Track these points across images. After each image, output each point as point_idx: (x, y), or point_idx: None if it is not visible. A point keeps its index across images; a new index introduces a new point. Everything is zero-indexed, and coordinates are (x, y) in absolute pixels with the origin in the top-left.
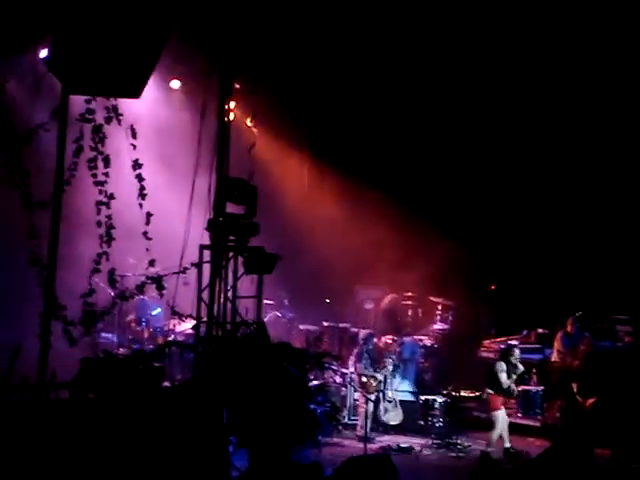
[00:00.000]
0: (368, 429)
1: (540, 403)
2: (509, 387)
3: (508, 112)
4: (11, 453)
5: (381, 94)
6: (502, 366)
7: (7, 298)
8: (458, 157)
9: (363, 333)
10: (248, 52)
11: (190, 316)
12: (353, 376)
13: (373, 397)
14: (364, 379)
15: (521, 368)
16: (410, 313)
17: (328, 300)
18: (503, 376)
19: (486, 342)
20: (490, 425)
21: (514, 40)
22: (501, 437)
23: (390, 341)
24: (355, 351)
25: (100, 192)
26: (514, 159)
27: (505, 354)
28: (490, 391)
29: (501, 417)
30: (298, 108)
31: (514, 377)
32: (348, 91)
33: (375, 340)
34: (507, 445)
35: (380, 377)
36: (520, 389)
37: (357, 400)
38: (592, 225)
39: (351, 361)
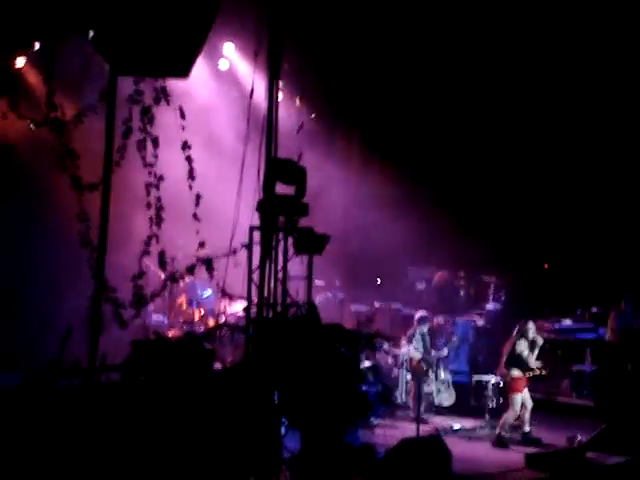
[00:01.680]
0: (421, 410)
1: (594, 383)
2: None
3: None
4: (62, 437)
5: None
6: (523, 344)
7: (60, 280)
8: (512, 137)
9: (418, 315)
10: (297, 31)
11: (241, 297)
12: (406, 357)
13: (427, 379)
14: (415, 361)
15: (540, 341)
16: (462, 293)
17: (379, 280)
18: (526, 353)
19: (539, 322)
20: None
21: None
22: (519, 419)
23: (443, 322)
24: (408, 332)
25: (149, 174)
26: (564, 137)
27: (521, 331)
28: (516, 373)
29: (521, 400)
30: (347, 88)
31: (536, 352)
32: (399, 72)
33: (429, 322)
34: (527, 429)
35: (431, 360)
36: (575, 368)
37: (410, 381)
38: None
39: (403, 341)
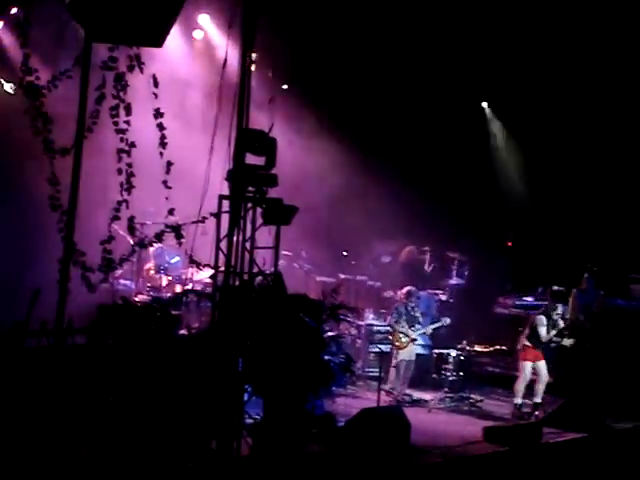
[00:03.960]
0: (390, 381)
1: (553, 360)
2: (547, 342)
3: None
4: (27, 396)
5: (397, 56)
6: (542, 320)
7: (28, 243)
8: (476, 112)
9: (406, 289)
10: (272, 3)
11: (208, 265)
12: (386, 329)
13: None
14: (396, 334)
15: (561, 324)
16: (427, 267)
17: (345, 253)
18: (542, 330)
19: (501, 298)
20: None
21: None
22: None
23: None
24: (395, 305)
25: (121, 140)
26: (532, 113)
27: (547, 309)
28: (527, 343)
29: (530, 368)
30: (317, 61)
31: (552, 332)
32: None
33: (415, 297)
34: (538, 400)
35: (413, 335)
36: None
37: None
38: (610, 184)
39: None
